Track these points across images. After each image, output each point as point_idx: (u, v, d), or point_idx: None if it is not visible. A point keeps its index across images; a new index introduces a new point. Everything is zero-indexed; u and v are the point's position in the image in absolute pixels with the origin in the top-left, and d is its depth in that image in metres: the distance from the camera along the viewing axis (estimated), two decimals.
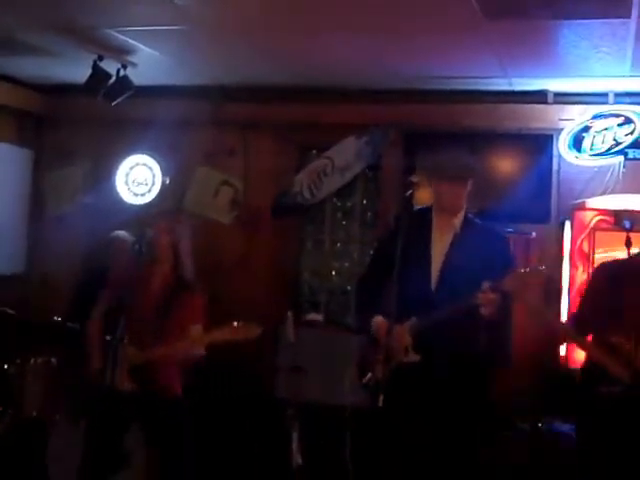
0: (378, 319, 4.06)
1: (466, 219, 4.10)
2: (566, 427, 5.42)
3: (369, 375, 3.94)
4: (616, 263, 4.33)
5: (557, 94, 6.49)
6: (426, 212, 4.17)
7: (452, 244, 4.03)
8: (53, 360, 5.31)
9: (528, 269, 3.78)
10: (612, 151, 6.26)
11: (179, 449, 4.37)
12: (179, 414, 4.41)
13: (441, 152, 4.18)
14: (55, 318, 5.62)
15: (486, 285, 3.68)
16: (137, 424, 4.39)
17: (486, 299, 3.70)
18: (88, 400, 4.47)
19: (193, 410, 4.53)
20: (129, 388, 4.23)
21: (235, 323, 4.24)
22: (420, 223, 4.11)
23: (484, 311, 3.71)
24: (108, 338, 4.32)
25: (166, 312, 4.29)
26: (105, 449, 4.26)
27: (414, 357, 3.91)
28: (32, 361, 5.29)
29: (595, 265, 5.10)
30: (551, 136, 6.52)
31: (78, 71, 6.15)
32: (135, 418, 4.36)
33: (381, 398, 3.74)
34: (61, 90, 7.35)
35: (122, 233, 5.84)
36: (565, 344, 5.67)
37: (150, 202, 7.32)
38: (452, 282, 3.84)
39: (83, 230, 7.05)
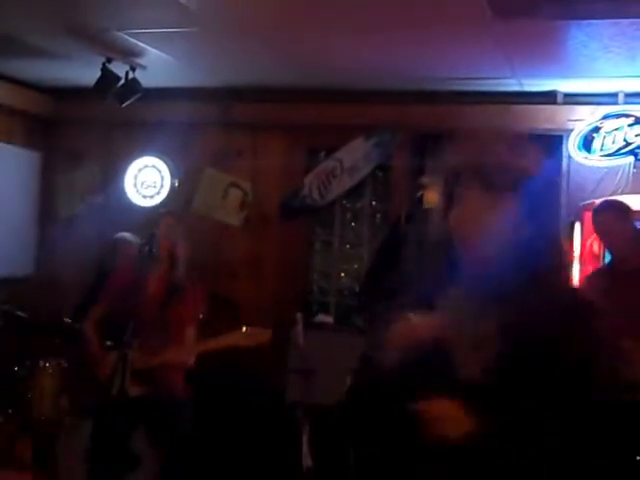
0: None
1: None
2: None
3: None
4: (600, 271, 4.37)
5: (567, 95, 6.47)
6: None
7: None
8: (63, 362, 5.32)
9: None
10: (622, 152, 6.24)
11: (181, 451, 4.37)
12: (181, 416, 4.42)
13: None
14: (66, 320, 5.63)
15: None
16: (142, 426, 4.40)
17: None
18: (95, 403, 4.48)
19: (203, 413, 4.53)
20: (138, 393, 4.24)
21: (244, 328, 4.24)
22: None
23: None
24: (109, 343, 4.35)
25: (163, 315, 4.31)
26: (112, 451, 4.27)
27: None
28: (42, 363, 5.30)
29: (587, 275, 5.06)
30: (561, 137, 6.50)
31: (87, 73, 6.15)
32: (140, 420, 4.36)
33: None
34: (70, 93, 7.36)
35: (127, 235, 5.83)
36: None
37: (159, 204, 7.33)
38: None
39: (93, 232, 7.07)
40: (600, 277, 4.58)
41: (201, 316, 4.55)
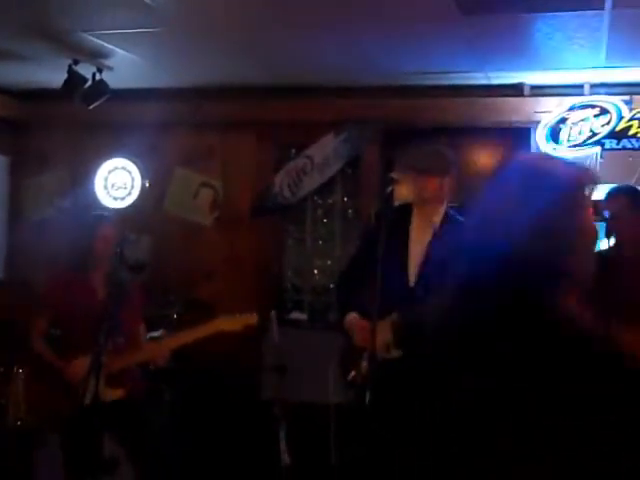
0: (350, 316, 4.05)
1: (446, 215, 4.09)
2: None
3: (353, 373, 3.93)
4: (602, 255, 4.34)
5: (534, 87, 6.52)
6: (406, 208, 4.17)
7: (431, 240, 4.02)
8: (37, 368, 5.26)
9: None
10: (589, 142, 6.30)
11: (158, 451, 4.37)
12: (155, 416, 4.42)
13: (417, 146, 4.17)
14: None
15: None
16: (117, 429, 4.39)
17: None
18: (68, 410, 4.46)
19: (180, 411, 4.52)
20: (113, 396, 4.23)
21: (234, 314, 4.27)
22: (400, 220, 4.10)
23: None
24: None
25: (116, 315, 4.29)
26: (84, 456, 4.25)
27: (395, 354, 3.90)
28: (15, 369, 5.24)
29: None
30: (529, 129, 6.55)
31: (54, 75, 6.12)
32: (114, 423, 4.35)
33: (368, 396, 3.73)
34: (37, 95, 7.30)
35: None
36: None
37: (130, 206, 7.30)
38: (431, 278, 3.81)
39: (63, 235, 7.00)
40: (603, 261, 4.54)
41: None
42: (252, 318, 4.34)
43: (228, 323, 4.30)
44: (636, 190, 4.71)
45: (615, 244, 4.50)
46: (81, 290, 4.50)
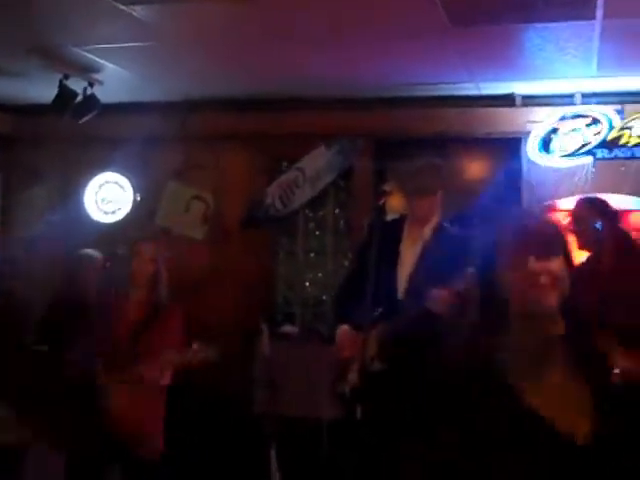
0: (342, 328, 4.03)
1: (439, 227, 4.07)
2: None
3: (342, 386, 3.90)
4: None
5: (525, 97, 6.52)
6: (398, 221, 4.15)
7: (421, 253, 4.00)
8: (25, 384, 5.21)
9: None
10: (581, 152, 6.30)
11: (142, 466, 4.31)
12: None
13: (409, 162, 4.14)
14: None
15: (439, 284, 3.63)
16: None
17: (435, 297, 3.63)
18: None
19: (170, 428, 4.47)
20: None
21: (194, 346, 4.17)
22: (391, 232, 4.08)
23: (434, 308, 3.64)
24: None
25: (141, 338, 4.22)
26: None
27: (379, 366, 3.87)
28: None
29: None
30: (520, 139, 6.55)
31: (44, 90, 6.10)
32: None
33: (359, 409, 3.71)
34: (28, 110, 7.29)
35: (91, 251, 5.77)
36: None
37: (122, 220, 7.28)
38: (419, 291, 3.78)
39: (53, 250, 6.98)
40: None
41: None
42: (213, 352, 4.22)
43: (192, 358, 4.20)
44: (596, 200, 4.74)
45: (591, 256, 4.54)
46: (114, 309, 4.39)
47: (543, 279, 2.02)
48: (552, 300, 2.05)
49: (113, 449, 4.15)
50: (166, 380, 4.31)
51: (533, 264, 2.03)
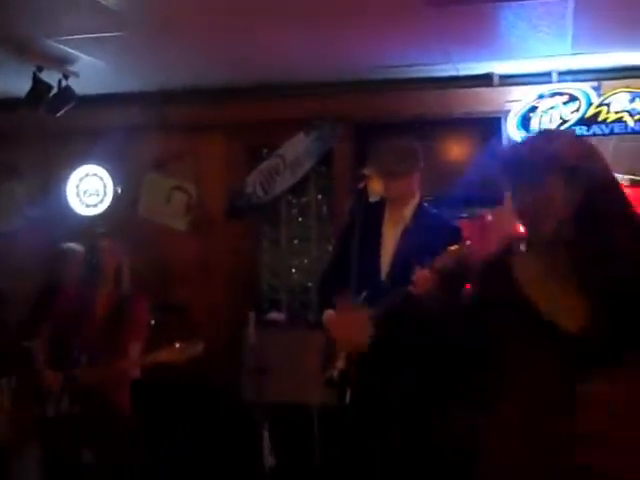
0: (327, 313, 4.03)
1: (419, 209, 4.07)
2: None
3: (330, 371, 3.89)
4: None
5: (502, 76, 6.51)
6: (379, 204, 4.15)
7: (402, 235, 4.00)
8: (11, 382, 5.19)
9: (457, 246, 3.68)
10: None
11: (137, 460, 4.35)
12: (129, 432, 4.40)
13: (382, 145, 4.14)
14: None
15: (419, 265, 3.62)
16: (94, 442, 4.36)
17: (416, 277, 3.63)
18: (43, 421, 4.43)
19: (159, 417, 4.50)
20: (86, 409, 4.22)
21: (177, 344, 4.23)
22: (373, 215, 4.08)
23: (414, 290, 3.64)
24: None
25: (109, 332, 4.32)
26: (64, 469, 4.24)
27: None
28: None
29: None
30: (499, 118, 6.55)
31: (18, 84, 6.03)
32: (87, 437, 4.33)
33: (348, 394, 3.72)
34: (3, 104, 7.20)
35: (73, 245, 5.75)
36: None
37: (103, 212, 7.26)
38: (402, 273, 3.78)
39: (35, 244, 6.93)
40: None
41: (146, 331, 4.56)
42: (197, 348, 4.27)
43: (175, 355, 4.25)
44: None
45: None
46: (84, 303, 4.49)
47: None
48: (548, 226, 2.23)
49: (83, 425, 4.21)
50: (136, 373, 4.38)
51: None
